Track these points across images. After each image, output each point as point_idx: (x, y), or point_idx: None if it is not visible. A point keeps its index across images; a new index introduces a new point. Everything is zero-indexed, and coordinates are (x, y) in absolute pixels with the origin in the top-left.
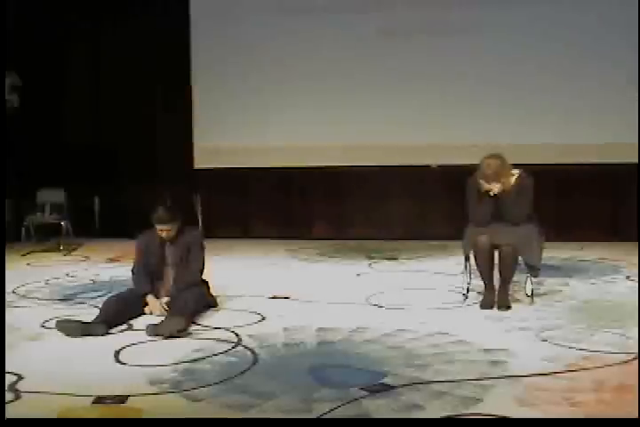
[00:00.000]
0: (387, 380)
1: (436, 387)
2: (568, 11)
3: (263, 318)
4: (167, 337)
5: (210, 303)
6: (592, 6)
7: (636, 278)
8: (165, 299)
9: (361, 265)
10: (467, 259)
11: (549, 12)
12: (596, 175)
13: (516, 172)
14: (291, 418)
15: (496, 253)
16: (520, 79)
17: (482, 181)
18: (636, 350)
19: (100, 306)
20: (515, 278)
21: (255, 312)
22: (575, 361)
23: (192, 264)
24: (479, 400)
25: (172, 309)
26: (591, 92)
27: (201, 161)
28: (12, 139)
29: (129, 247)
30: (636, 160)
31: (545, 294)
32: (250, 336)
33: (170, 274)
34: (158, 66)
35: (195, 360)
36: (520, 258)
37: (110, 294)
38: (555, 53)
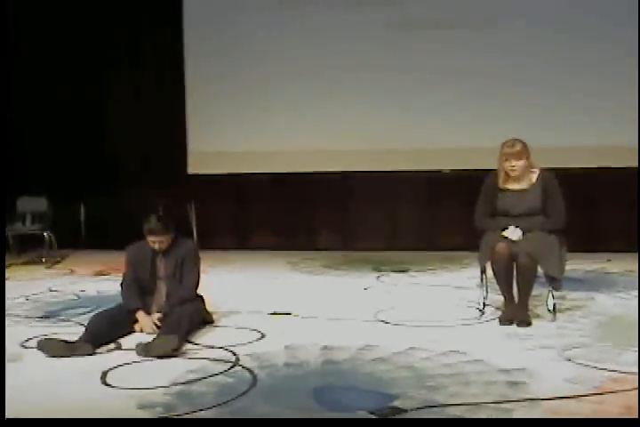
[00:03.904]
0: (397, 403)
1: (450, 411)
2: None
3: (263, 336)
4: (159, 357)
5: (205, 320)
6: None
7: None
8: (157, 315)
9: (368, 278)
10: (483, 271)
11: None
12: (624, 181)
13: (535, 170)
14: (291, 418)
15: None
16: (538, 79)
17: (502, 162)
18: None
19: (86, 324)
20: (536, 292)
21: (254, 329)
22: (602, 383)
23: (186, 278)
24: None
25: (164, 326)
26: (617, 92)
27: (195, 166)
28: None
29: (117, 260)
30: None
31: (568, 309)
32: (249, 356)
33: (162, 288)
34: (151, 69)
35: (189, 382)
36: (540, 270)
37: (97, 311)
38: (576, 54)
